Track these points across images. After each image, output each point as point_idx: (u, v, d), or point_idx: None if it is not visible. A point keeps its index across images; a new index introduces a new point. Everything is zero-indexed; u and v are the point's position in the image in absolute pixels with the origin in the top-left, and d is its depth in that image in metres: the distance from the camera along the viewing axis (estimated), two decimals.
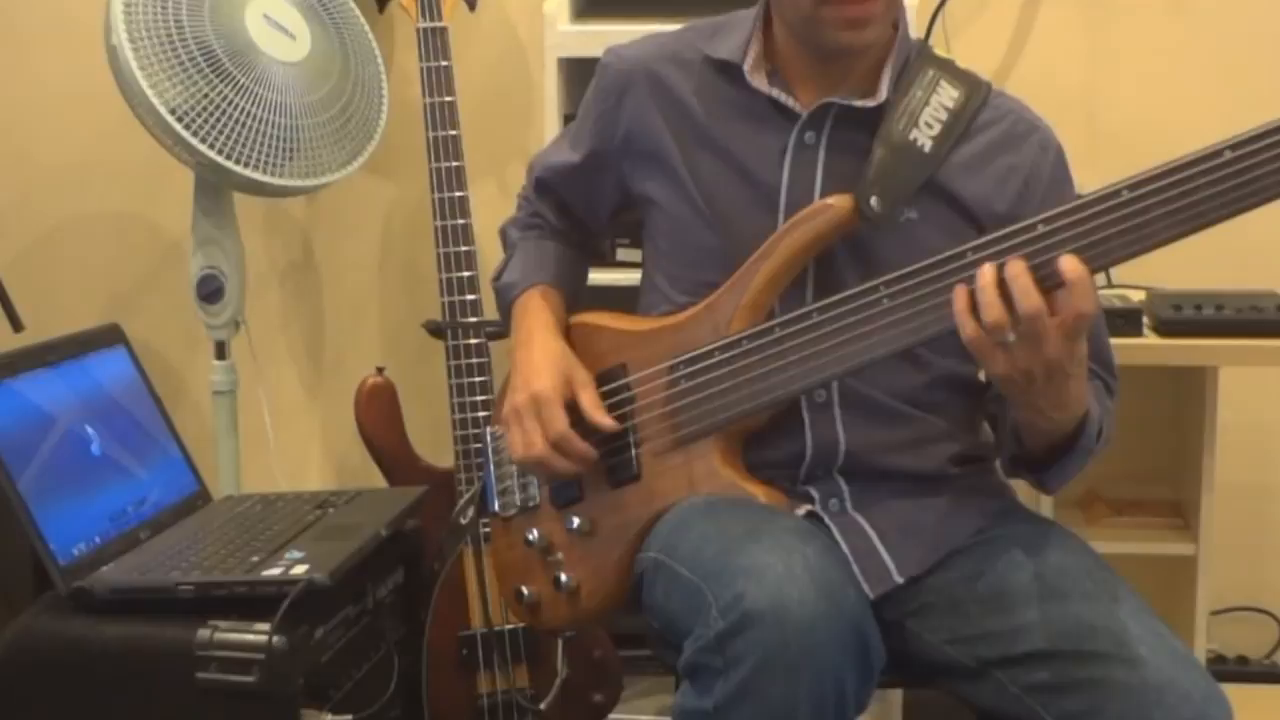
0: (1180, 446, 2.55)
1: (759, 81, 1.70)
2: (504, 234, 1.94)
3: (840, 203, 1.62)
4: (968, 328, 1.47)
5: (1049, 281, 1.44)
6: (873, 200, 1.61)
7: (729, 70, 1.72)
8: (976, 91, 1.70)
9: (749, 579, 1.42)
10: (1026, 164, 1.68)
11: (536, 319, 1.79)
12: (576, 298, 1.89)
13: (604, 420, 1.69)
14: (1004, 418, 1.67)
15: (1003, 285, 1.44)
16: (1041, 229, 1.47)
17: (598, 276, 2.03)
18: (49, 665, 1.86)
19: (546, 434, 1.68)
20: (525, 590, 1.77)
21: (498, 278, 1.89)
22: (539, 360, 1.73)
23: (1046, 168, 1.69)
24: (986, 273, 1.45)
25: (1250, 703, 2.28)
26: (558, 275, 1.86)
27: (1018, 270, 1.44)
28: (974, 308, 1.46)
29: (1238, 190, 1.39)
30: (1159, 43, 2.73)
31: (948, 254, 1.52)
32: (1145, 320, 2.32)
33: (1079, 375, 1.51)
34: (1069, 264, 1.43)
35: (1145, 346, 2.29)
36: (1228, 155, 1.39)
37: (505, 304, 1.86)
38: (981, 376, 1.72)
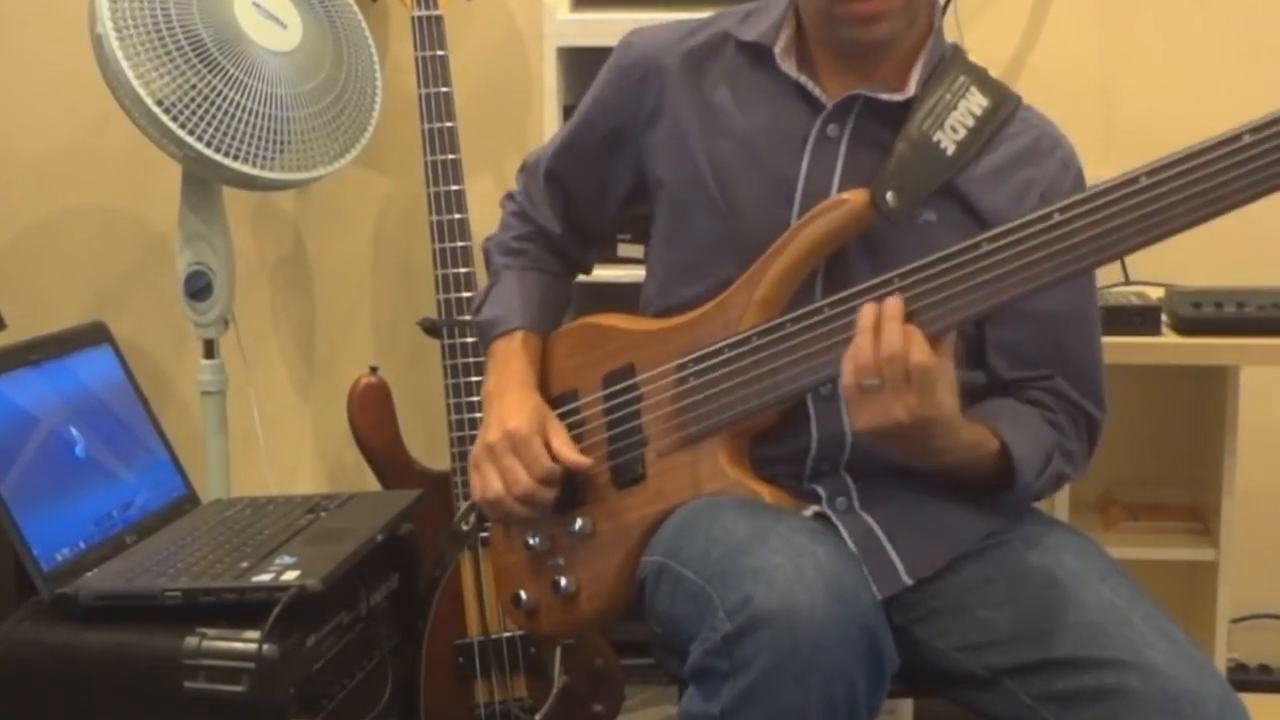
0: (1200, 449, 2.55)
1: (789, 66, 1.70)
2: (487, 255, 1.92)
3: (855, 197, 1.61)
4: (845, 374, 1.49)
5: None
6: (889, 195, 1.60)
7: (759, 53, 1.72)
8: (1005, 103, 1.70)
9: (758, 581, 1.41)
10: (1046, 179, 1.69)
11: (514, 374, 1.79)
12: (557, 327, 1.88)
13: (576, 458, 1.70)
14: None
15: (877, 327, 1.47)
16: (1058, 217, 1.46)
17: (601, 273, 2.02)
18: (32, 674, 1.85)
19: (531, 471, 1.69)
20: (523, 595, 1.76)
21: (478, 311, 1.88)
22: (510, 407, 1.74)
23: (1066, 186, 1.70)
24: (867, 314, 1.48)
25: (1273, 712, 2.27)
26: (540, 316, 1.85)
27: (894, 310, 1.48)
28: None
29: (1256, 174, 1.38)
30: (1176, 32, 2.72)
31: (962, 246, 1.51)
32: (1164, 318, 2.31)
33: (956, 429, 1.52)
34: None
35: (1164, 345, 2.28)
36: (1247, 139, 1.38)
37: (485, 340, 1.86)
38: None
